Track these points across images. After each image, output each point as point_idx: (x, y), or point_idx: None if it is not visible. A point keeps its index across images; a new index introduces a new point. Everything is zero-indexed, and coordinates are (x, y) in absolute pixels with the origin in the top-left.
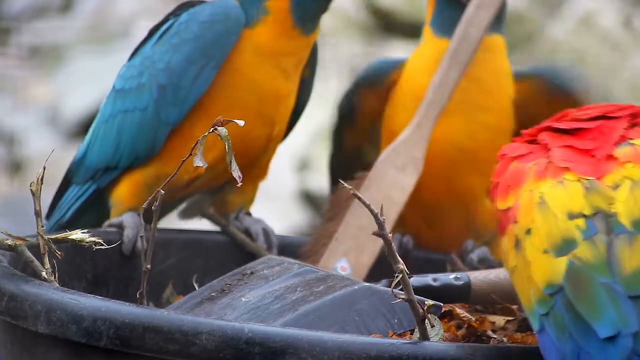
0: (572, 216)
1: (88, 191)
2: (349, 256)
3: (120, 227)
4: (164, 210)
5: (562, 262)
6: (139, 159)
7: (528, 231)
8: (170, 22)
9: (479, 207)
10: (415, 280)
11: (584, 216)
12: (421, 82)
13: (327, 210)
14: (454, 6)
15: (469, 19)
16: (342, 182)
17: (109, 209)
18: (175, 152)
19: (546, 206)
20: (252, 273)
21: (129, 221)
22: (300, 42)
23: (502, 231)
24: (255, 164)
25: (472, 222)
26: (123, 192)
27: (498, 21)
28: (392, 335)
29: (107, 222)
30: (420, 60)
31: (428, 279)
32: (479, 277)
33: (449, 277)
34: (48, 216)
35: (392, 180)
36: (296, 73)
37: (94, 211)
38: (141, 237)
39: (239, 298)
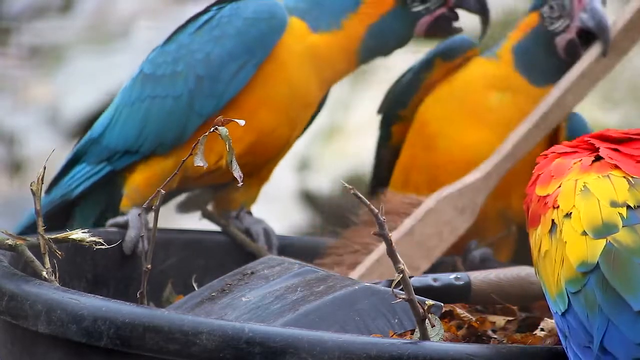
0: (615, 204)
1: (101, 172)
2: (383, 279)
3: (124, 226)
4: (165, 199)
5: (599, 243)
6: (163, 146)
7: (568, 214)
8: (211, 13)
9: (489, 212)
10: (416, 280)
11: (628, 206)
12: (474, 98)
13: (364, 213)
14: (548, 54)
15: (570, 87)
16: (343, 182)
17: (121, 195)
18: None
19: (589, 193)
20: (252, 273)
21: (134, 221)
22: (353, 66)
23: (535, 221)
24: (267, 165)
25: (480, 225)
26: (140, 179)
27: None
28: (392, 335)
29: (111, 221)
30: (486, 77)
31: (428, 279)
32: (479, 277)
33: (450, 277)
34: (48, 191)
35: (448, 220)
36: (330, 85)
37: (104, 192)
38: (141, 237)
39: (239, 298)
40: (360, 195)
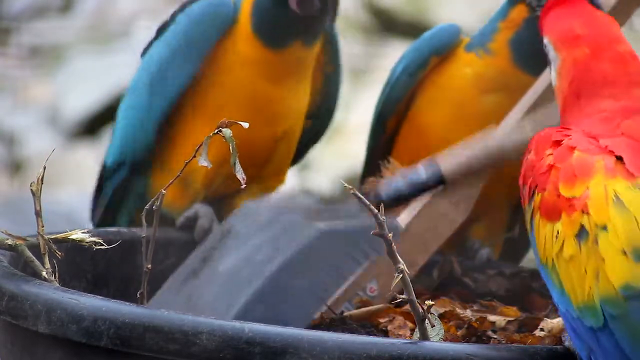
0: None
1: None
2: (379, 279)
3: (195, 219)
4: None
5: None
6: (139, 158)
7: (604, 227)
8: (173, 19)
9: (496, 213)
10: (384, 190)
11: None
12: (471, 103)
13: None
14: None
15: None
16: (343, 182)
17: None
18: (180, 156)
19: (624, 208)
20: (229, 231)
21: (202, 211)
22: (268, 56)
23: (553, 214)
24: (265, 166)
25: (487, 226)
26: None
27: None
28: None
29: (182, 217)
30: (480, 79)
31: (398, 184)
32: (448, 161)
33: (418, 174)
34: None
35: (443, 212)
36: (290, 81)
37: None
38: (142, 237)
39: (217, 269)
40: (360, 195)
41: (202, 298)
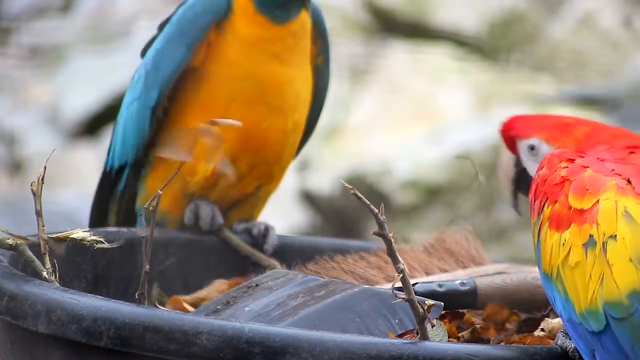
0: None
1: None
2: None
3: (197, 209)
4: None
5: None
6: (139, 150)
7: (613, 237)
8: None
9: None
10: (421, 286)
11: None
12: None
13: (428, 241)
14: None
15: None
16: (343, 182)
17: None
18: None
19: (633, 221)
20: (257, 285)
21: (202, 204)
22: (275, 31)
23: (561, 224)
24: (277, 163)
25: None
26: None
27: None
28: (392, 337)
29: (187, 210)
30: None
31: (433, 285)
32: (485, 282)
33: (455, 283)
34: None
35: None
36: (295, 59)
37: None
38: (143, 237)
39: (242, 308)
40: (360, 195)
41: None
